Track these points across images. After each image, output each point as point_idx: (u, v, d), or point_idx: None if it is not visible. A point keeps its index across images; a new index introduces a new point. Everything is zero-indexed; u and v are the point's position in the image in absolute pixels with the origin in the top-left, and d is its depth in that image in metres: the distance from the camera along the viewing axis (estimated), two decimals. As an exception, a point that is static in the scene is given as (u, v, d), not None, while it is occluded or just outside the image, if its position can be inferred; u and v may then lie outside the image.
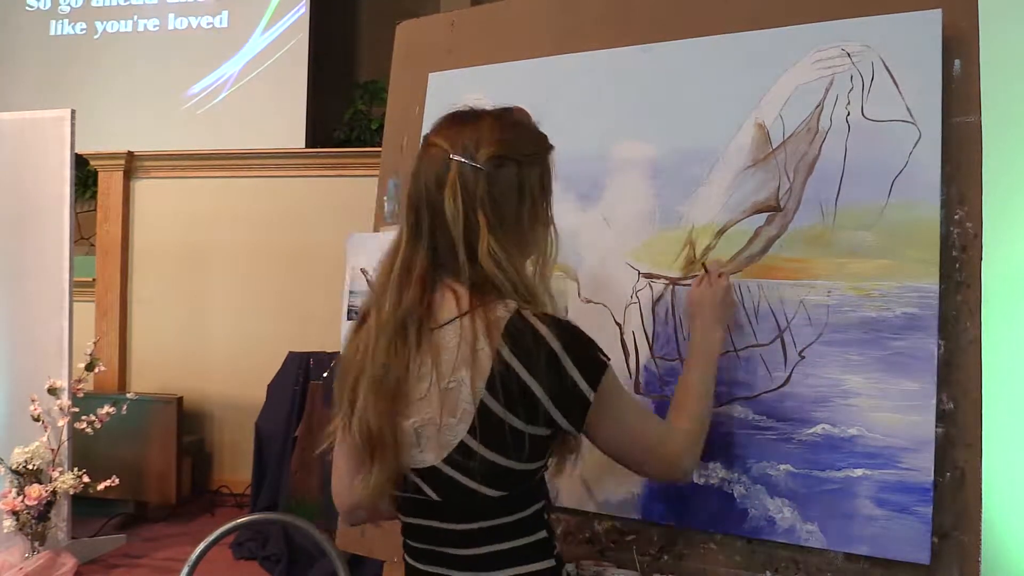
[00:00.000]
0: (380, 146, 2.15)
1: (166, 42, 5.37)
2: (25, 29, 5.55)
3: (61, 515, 3.61)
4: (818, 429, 1.40)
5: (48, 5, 5.54)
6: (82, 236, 5.46)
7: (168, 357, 5.01)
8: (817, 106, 1.48)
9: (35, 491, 3.44)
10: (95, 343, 3.81)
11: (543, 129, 1.26)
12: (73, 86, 5.31)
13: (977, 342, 1.34)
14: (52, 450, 3.56)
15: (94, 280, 5.09)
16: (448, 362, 1.13)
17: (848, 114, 1.45)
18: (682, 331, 1.54)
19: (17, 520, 3.48)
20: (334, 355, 1.28)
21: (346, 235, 2.02)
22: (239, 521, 1.51)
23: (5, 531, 3.49)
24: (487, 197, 1.15)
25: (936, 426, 1.32)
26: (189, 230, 5.06)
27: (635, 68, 1.68)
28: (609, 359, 1.18)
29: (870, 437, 1.36)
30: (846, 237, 1.43)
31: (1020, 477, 1.71)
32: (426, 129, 1.25)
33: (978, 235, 1.36)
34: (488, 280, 1.15)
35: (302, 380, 4.01)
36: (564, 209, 1.69)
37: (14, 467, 3.48)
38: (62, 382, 3.59)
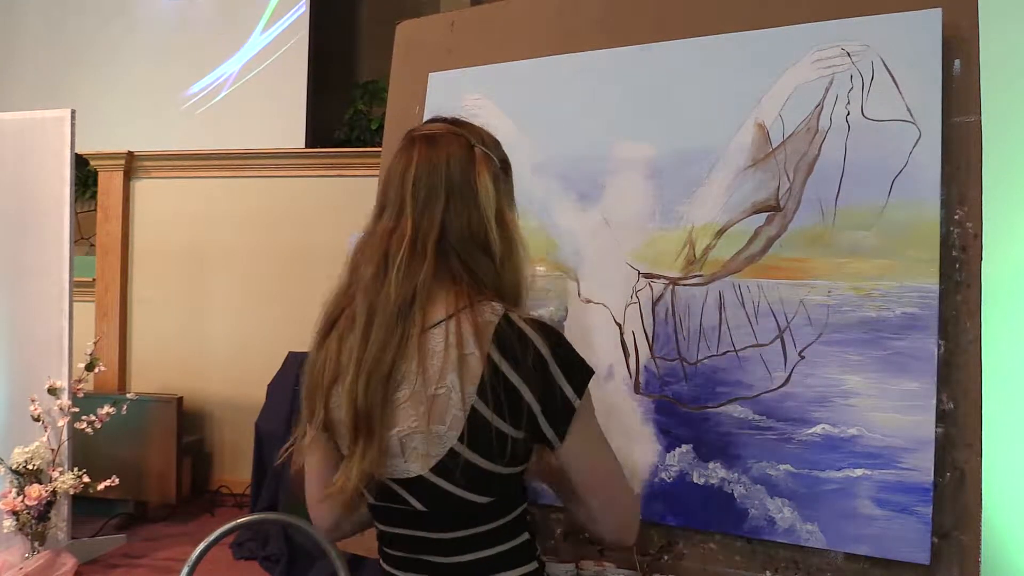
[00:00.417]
0: (380, 146, 2.16)
1: (166, 42, 5.37)
2: (25, 29, 5.55)
3: (61, 515, 3.61)
4: (818, 429, 1.40)
5: (48, 5, 5.54)
6: (82, 236, 5.46)
7: (168, 357, 5.01)
8: (817, 106, 1.48)
9: (35, 491, 3.44)
10: (95, 343, 3.81)
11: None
12: (73, 86, 5.31)
13: (977, 342, 1.34)
14: (52, 450, 3.55)
15: (94, 280, 5.09)
16: (435, 367, 1.10)
17: (848, 114, 1.45)
18: (682, 331, 1.54)
19: (17, 520, 3.47)
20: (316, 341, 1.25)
21: (346, 235, 2.02)
22: (239, 521, 1.51)
23: (5, 531, 3.49)
24: (499, 192, 1.17)
25: (936, 426, 1.32)
26: (189, 230, 5.05)
27: (635, 68, 1.68)
28: (592, 369, 1.15)
29: (870, 437, 1.36)
30: (846, 237, 1.43)
31: (1020, 477, 1.71)
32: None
33: (978, 235, 1.36)
34: (485, 275, 1.14)
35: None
36: (564, 209, 1.70)
37: (14, 467, 3.48)
38: (62, 382, 3.59)
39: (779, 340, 1.46)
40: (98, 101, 5.20)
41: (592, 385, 1.14)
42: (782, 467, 1.42)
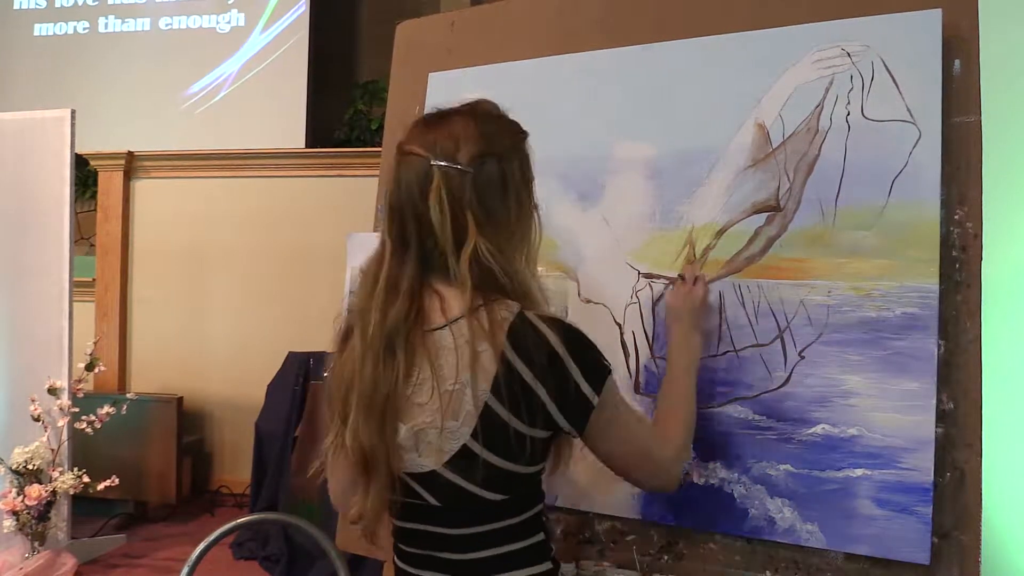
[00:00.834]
0: (380, 146, 2.16)
1: (165, 41, 5.37)
2: (25, 29, 5.55)
3: (61, 515, 3.61)
4: (818, 429, 1.40)
5: (48, 5, 5.54)
6: (82, 236, 5.46)
7: (168, 357, 5.01)
8: (817, 106, 1.48)
9: (35, 491, 3.44)
10: (95, 343, 3.81)
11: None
12: (73, 86, 5.31)
13: (977, 342, 1.34)
14: (52, 450, 3.56)
15: (94, 280, 5.09)
16: (449, 364, 1.12)
17: (848, 114, 1.45)
18: (682, 331, 1.54)
19: (17, 520, 3.48)
20: (334, 355, 1.26)
21: (346, 235, 2.02)
22: (239, 521, 1.51)
23: (5, 531, 3.49)
24: (473, 197, 1.13)
25: (936, 426, 1.32)
26: (189, 230, 5.06)
27: (635, 68, 1.67)
28: (610, 364, 1.17)
29: (870, 437, 1.36)
30: (846, 237, 1.42)
31: (1020, 477, 1.71)
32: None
33: (978, 235, 1.36)
34: (484, 281, 1.13)
35: (302, 380, 4.01)
36: (564, 209, 1.69)
37: (14, 467, 3.48)
38: (62, 382, 3.60)
39: (779, 340, 1.46)
40: (98, 101, 5.20)
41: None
42: (782, 467, 1.42)
